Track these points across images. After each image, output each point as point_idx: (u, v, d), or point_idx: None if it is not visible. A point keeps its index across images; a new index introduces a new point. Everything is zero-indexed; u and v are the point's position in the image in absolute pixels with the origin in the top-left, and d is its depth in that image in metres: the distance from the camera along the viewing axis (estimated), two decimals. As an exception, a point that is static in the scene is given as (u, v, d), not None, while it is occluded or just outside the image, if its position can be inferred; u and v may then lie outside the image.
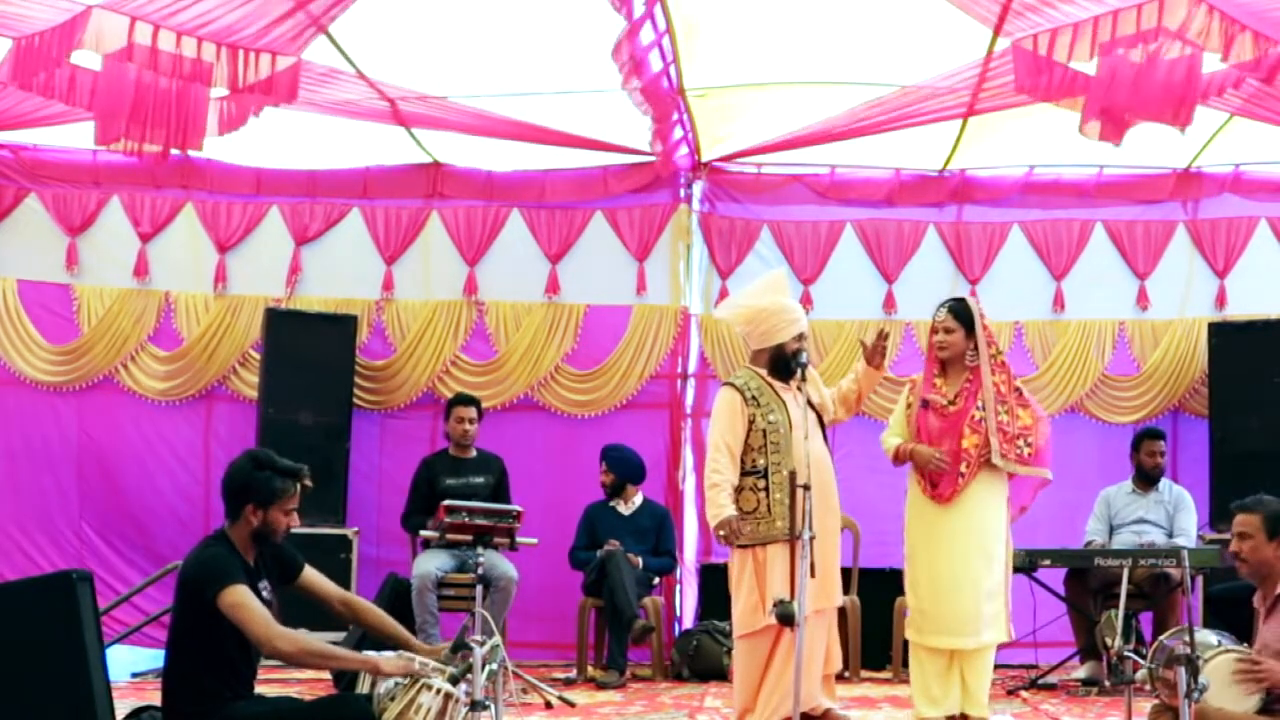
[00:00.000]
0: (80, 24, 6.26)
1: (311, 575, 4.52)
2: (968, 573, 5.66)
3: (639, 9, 6.31)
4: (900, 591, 6.21)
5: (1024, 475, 5.78)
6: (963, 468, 5.67)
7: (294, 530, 4.40)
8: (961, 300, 5.98)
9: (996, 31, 6.62)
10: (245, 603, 4.10)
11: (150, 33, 6.39)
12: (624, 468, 8.04)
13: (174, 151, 7.37)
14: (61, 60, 6.49)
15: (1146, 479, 7.78)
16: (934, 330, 5.81)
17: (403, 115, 8.02)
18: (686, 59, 7.09)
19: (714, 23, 6.79)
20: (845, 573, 6.53)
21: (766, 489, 5.54)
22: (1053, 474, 5.91)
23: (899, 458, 5.84)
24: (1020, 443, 5.71)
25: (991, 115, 7.76)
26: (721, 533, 5.52)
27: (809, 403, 5.64)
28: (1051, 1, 6.23)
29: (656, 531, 8.08)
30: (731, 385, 5.71)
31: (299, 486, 4.33)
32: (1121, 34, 6.18)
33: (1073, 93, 6.64)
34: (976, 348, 5.75)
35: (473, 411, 7.98)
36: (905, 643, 6.15)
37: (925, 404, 5.81)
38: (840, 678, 6.03)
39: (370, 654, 4.33)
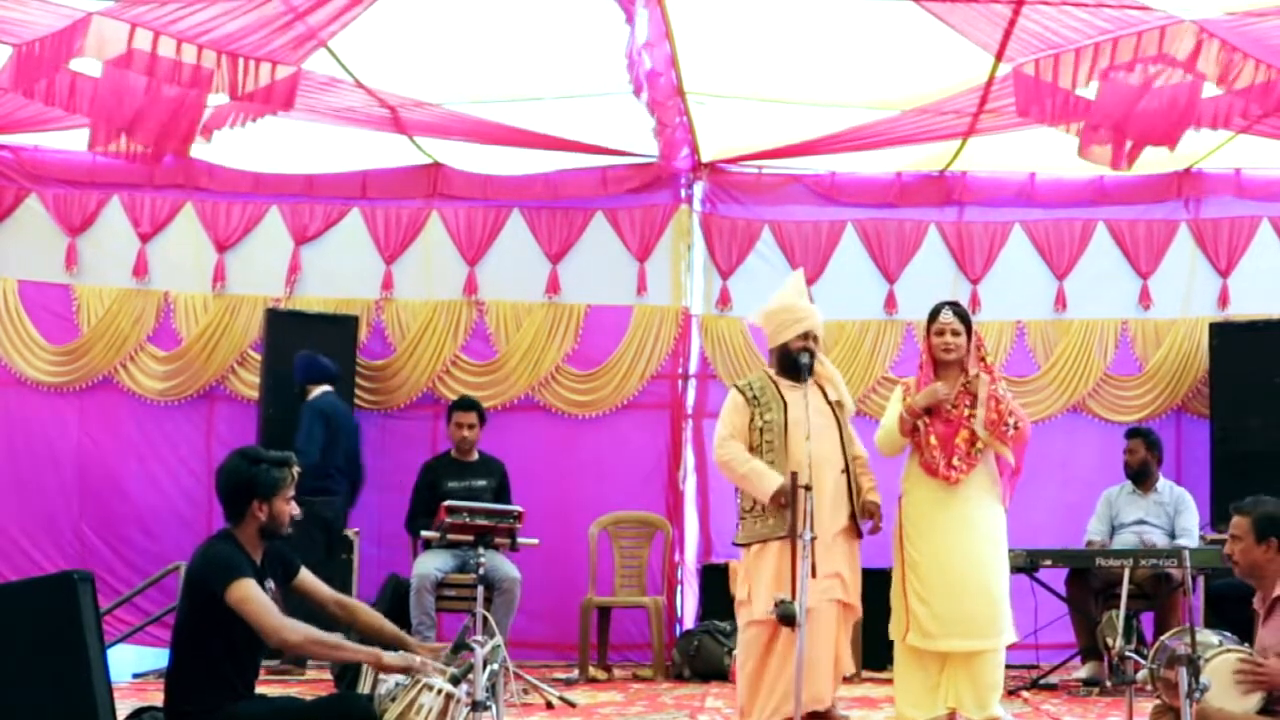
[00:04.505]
0: (80, 31, 6.25)
1: (307, 577, 4.60)
2: (984, 572, 5.62)
3: (640, 11, 6.31)
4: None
5: (999, 451, 5.71)
6: (955, 459, 5.64)
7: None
8: (957, 304, 5.97)
9: (998, 58, 6.63)
10: (253, 595, 4.16)
11: (150, 39, 6.38)
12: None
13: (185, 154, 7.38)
14: (61, 67, 6.48)
15: (1135, 478, 7.77)
16: (939, 333, 5.74)
17: (403, 123, 8.02)
18: (686, 62, 7.08)
19: (712, 30, 6.78)
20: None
21: (762, 488, 5.57)
22: (1020, 467, 5.76)
23: (908, 418, 5.67)
24: (1009, 421, 5.69)
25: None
26: (782, 500, 5.37)
27: (830, 401, 5.66)
28: (1053, 28, 6.23)
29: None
30: (737, 386, 5.83)
31: (292, 473, 4.44)
32: (1121, 60, 6.20)
33: (1074, 117, 6.67)
34: (969, 351, 5.76)
35: (473, 418, 7.89)
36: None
37: (928, 409, 5.77)
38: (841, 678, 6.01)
39: (374, 648, 4.35)
